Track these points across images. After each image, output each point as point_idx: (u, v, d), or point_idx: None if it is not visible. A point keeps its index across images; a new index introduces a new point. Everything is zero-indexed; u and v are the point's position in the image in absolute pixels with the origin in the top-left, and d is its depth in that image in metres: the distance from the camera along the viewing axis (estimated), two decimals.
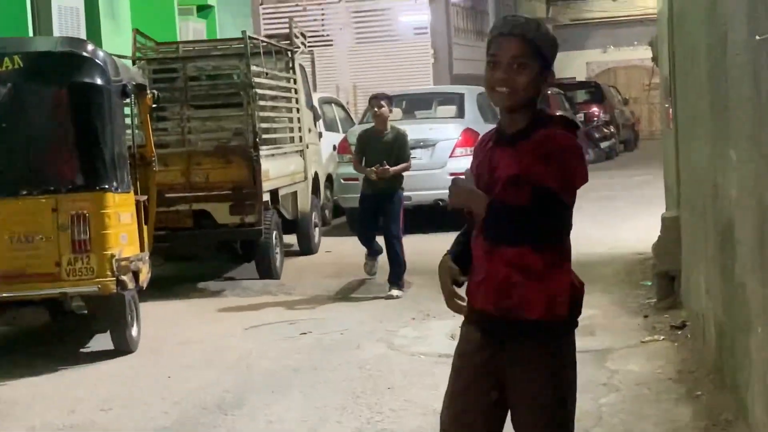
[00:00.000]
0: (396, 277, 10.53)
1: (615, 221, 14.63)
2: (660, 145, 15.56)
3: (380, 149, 10.67)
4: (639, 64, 33.18)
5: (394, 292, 10.40)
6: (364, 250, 11.03)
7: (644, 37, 33.71)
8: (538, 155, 3.58)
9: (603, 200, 17.37)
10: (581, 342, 7.90)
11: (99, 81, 8.24)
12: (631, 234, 13.12)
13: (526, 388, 3.61)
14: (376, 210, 10.73)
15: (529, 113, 3.71)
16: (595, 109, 27.96)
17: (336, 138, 16.09)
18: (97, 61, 8.32)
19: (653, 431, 5.80)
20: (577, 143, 3.69)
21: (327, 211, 15.57)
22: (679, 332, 7.93)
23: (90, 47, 8.50)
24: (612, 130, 28.48)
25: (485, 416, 3.67)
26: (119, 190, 8.29)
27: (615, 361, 7.37)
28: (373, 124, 11.32)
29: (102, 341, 8.52)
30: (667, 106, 10.14)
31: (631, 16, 34.64)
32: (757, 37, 3.64)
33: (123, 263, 8.09)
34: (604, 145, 27.43)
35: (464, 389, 3.71)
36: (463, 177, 3.77)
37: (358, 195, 13.20)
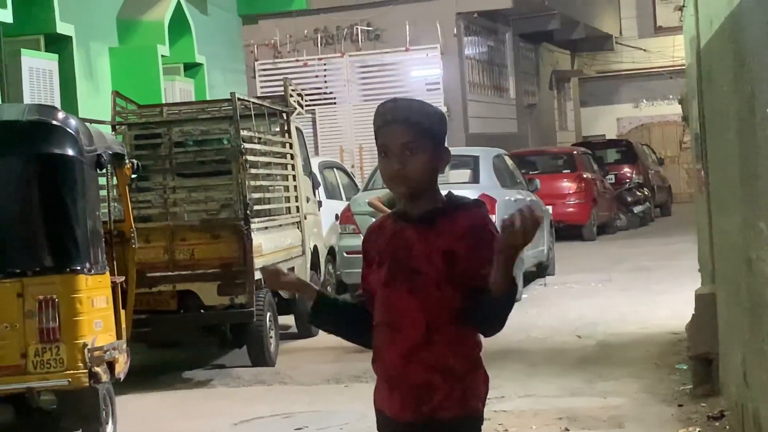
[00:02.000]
0: None
1: (648, 296, 14.50)
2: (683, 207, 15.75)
3: None
4: (675, 121, 33.09)
5: None
6: None
7: (674, 86, 33.85)
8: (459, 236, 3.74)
9: (636, 271, 17.37)
10: None
11: (70, 152, 8.22)
12: (665, 310, 13.01)
13: None
14: None
15: (433, 195, 3.85)
16: (627, 170, 27.93)
17: (338, 206, 16.10)
18: (68, 130, 8.30)
19: None
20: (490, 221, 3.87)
21: (329, 288, 15.47)
22: (717, 423, 7.85)
23: (60, 115, 8.47)
24: (646, 192, 28.23)
25: None
26: (93, 271, 8.19)
27: None
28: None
29: None
30: (699, 168, 10.15)
31: (665, 68, 34.70)
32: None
33: (97, 353, 7.99)
34: (637, 209, 27.27)
35: None
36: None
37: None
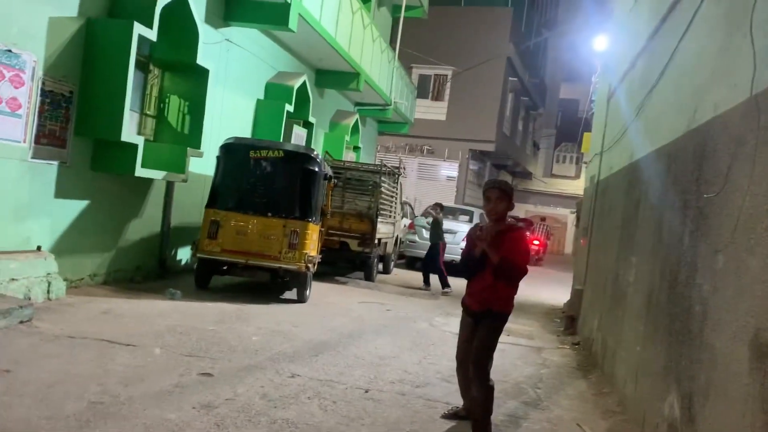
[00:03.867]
0: (443, 285, 11.26)
1: (538, 288, 14.30)
2: (558, 257, 15.43)
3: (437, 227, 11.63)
4: (552, 215, 32.91)
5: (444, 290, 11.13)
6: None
7: (557, 202, 33.55)
8: (513, 241, 3.88)
9: (534, 277, 17.14)
10: (527, 341, 7.80)
11: (317, 169, 8.31)
12: (547, 295, 12.89)
13: (483, 332, 3.99)
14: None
15: (505, 220, 4.02)
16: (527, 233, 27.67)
17: (407, 221, 15.96)
18: (317, 159, 8.39)
19: (570, 391, 5.60)
20: (526, 235, 4.04)
21: (395, 255, 15.40)
22: (577, 346, 7.74)
23: (316, 152, 8.52)
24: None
25: (468, 342, 4.06)
26: (315, 222, 8.26)
27: (545, 354, 7.18)
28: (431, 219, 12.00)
29: (291, 294, 8.49)
30: (581, 239, 10.02)
31: (552, 192, 34.61)
32: (705, 195, 3.56)
33: (309, 258, 8.06)
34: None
35: (463, 336, 4.15)
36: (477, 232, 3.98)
37: (415, 249, 13.51)
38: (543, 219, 29.22)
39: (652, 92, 5.54)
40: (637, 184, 5.65)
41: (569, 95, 36.76)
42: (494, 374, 5.64)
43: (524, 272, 3.91)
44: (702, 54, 4.03)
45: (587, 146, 10.87)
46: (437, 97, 25.92)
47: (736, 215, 3.05)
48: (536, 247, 23.84)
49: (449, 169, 25.90)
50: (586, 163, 10.76)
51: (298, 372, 4.96)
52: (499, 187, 4.10)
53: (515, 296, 4.10)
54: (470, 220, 15.80)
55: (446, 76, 25.49)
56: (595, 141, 9.49)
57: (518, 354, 6.95)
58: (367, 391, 4.71)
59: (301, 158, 8.27)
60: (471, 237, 4.11)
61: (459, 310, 4.30)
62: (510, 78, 25.85)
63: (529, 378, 5.86)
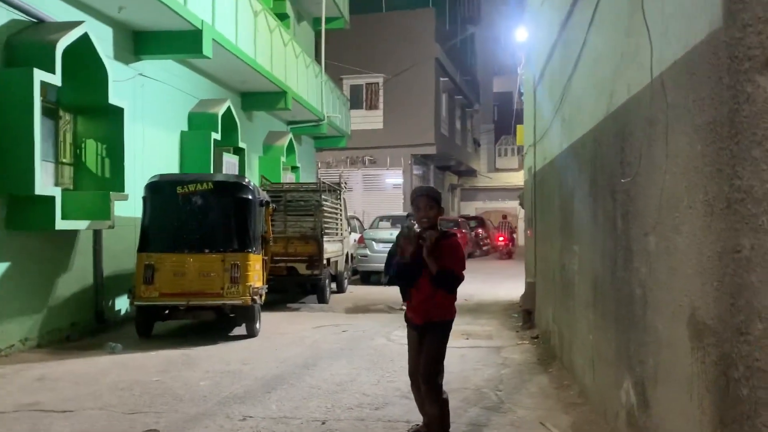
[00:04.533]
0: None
1: (495, 284, 14.37)
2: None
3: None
4: (501, 209, 33.34)
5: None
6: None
7: (504, 195, 34.07)
8: (449, 249, 3.82)
9: (485, 273, 17.27)
10: (486, 342, 7.79)
11: (250, 197, 8.15)
12: (504, 291, 12.96)
13: (429, 345, 3.90)
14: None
15: (436, 228, 3.90)
16: (480, 230, 27.80)
17: (356, 236, 15.89)
18: (250, 187, 8.22)
19: (531, 389, 5.59)
20: (459, 241, 4.06)
21: (348, 272, 15.33)
22: (536, 340, 7.78)
23: (247, 179, 8.34)
24: (488, 240, 28.19)
25: (417, 357, 3.98)
26: (255, 252, 8.08)
27: (505, 352, 7.18)
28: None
29: (240, 330, 8.26)
30: (527, 231, 10.13)
31: (498, 187, 35.13)
32: (622, 180, 3.59)
33: (254, 290, 7.86)
34: (485, 248, 27.23)
35: (411, 351, 4.07)
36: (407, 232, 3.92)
37: (368, 263, 13.36)
38: (504, 216, 29.54)
39: (571, 79, 5.63)
40: (570, 171, 5.71)
41: (502, 88, 37.38)
42: (454, 381, 5.61)
43: (461, 279, 3.88)
44: (611, 37, 4.09)
45: (521, 138, 11.01)
46: (371, 106, 25.98)
47: (659, 195, 3.07)
48: (501, 243, 25.14)
49: (394, 177, 25.95)
50: (522, 155, 10.88)
51: (249, 413, 4.79)
52: (426, 194, 4.05)
53: (455, 302, 4.05)
54: None
55: (378, 83, 25.59)
56: (527, 132, 9.62)
57: (478, 357, 6.93)
58: (324, 423, 4.58)
59: (232, 188, 8.09)
60: (399, 238, 4.06)
61: None
62: (441, 78, 26.15)
63: (490, 381, 5.84)
